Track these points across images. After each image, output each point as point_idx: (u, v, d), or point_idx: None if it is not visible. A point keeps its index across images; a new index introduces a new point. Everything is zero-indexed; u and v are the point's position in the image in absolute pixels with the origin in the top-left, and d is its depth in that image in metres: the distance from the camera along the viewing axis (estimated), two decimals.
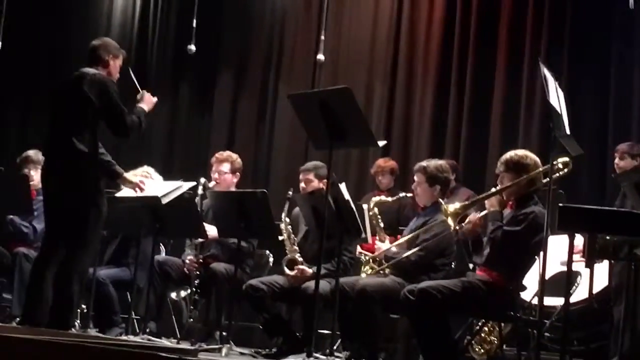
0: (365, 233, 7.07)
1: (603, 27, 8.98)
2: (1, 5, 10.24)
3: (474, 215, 6.15)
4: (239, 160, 8.08)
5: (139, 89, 6.92)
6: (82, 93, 6.42)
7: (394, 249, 6.84)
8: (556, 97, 5.43)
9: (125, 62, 6.96)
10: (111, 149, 10.55)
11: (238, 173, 8.04)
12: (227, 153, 8.18)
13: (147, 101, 6.82)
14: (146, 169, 8.05)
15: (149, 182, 7.69)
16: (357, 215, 6.46)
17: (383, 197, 7.66)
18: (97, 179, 6.50)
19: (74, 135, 6.43)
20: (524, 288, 6.12)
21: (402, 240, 6.87)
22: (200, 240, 7.67)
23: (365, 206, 7.27)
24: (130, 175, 6.88)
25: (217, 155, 8.12)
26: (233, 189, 7.92)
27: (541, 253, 5.50)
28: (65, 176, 6.44)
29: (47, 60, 11.22)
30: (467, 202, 6.20)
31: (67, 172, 6.44)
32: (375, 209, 7.23)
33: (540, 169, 6.06)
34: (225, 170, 7.96)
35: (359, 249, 7.34)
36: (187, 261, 7.68)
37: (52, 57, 11.09)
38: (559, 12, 9.15)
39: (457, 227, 6.16)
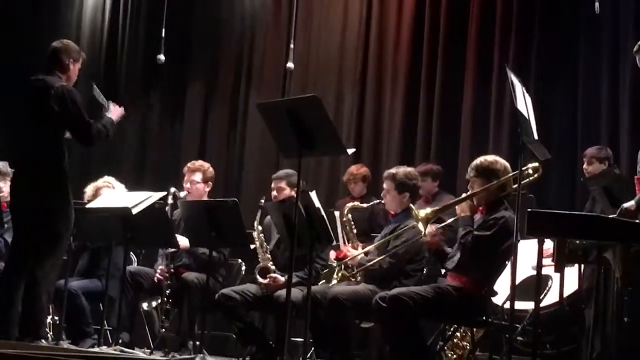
0: (337, 240, 7.08)
1: (570, 31, 9.04)
2: None
3: (431, 227, 6.18)
4: (211, 169, 8.06)
5: (105, 103, 6.90)
6: (47, 106, 6.41)
7: (365, 256, 6.85)
8: (524, 103, 5.46)
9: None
10: (82, 158, 10.63)
11: (210, 182, 8.03)
12: (199, 162, 8.16)
13: (115, 112, 6.83)
14: (107, 179, 8.09)
15: (114, 192, 7.70)
16: (328, 222, 6.46)
17: (357, 203, 7.67)
18: (66, 190, 6.49)
19: (41, 147, 6.44)
20: (495, 293, 6.15)
21: (372, 246, 6.88)
22: (171, 250, 7.65)
23: (337, 213, 7.28)
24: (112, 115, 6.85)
25: (189, 165, 8.11)
26: (205, 198, 7.91)
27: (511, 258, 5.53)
28: (34, 188, 6.43)
29: (16, 70, 11.15)
30: (437, 208, 6.23)
31: (36, 183, 6.43)
32: (349, 215, 7.25)
33: (510, 174, 6.09)
34: (197, 180, 7.95)
35: (332, 255, 7.34)
36: (158, 271, 7.66)
37: (19, 68, 11.01)
38: (527, 18, 9.20)
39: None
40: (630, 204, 4.88)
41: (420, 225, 6.06)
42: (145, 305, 8.03)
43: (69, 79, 6.70)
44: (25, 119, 6.59)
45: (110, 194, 7.74)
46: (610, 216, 5.01)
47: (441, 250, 6.22)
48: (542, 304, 6.28)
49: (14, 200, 6.69)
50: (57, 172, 6.47)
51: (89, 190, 8.09)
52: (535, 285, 5.05)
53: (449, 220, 6.39)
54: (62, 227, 6.46)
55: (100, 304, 7.67)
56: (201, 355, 6.82)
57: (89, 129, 6.53)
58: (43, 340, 6.47)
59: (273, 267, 7.29)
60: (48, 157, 6.46)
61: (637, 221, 4.78)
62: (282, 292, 6.66)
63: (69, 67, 6.69)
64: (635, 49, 5.13)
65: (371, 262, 6.70)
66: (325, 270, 7.05)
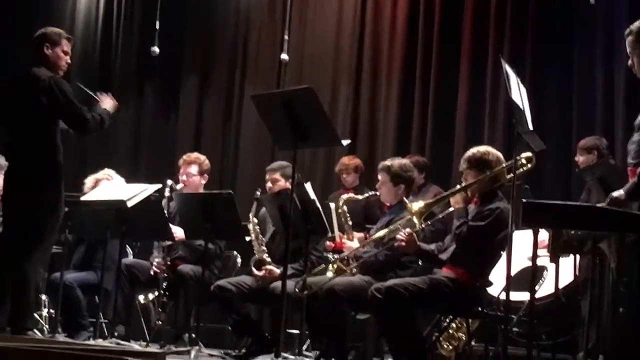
0: (333, 232, 7.08)
1: (565, 22, 9.03)
2: None
3: (401, 234, 6.17)
4: (207, 162, 8.06)
5: (95, 96, 6.86)
6: (37, 99, 6.38)
7: (361, 248, 6.85)
8: (518, 94, 5.45)
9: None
10: (76, 150, 10.61)
11: (206, 175, 8.03)
12: (195, 155, 8.15)
13: (107, 103, 6.80)
14: (107, 171, 8.08)
15: (111, 185, 7.68)
16: (323, 214, 6.46)
17: (352, 195, 7.66)
18: (58, 183, 6.47)
19: (34, 140, 6.41)
20: (490, 284, 6.15)
21: (369, 240, 6.87)
22: (167, 242, 7.64)
23: (332, 205, 7.27)
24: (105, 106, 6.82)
25: (184, 157, 8.09)
26: (201, 190, 7.91)
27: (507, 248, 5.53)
28: (25, 181, 6.41)
29: (9, 63, 11.13)
30: (431, 201, 6.23)
31: (28, 176, 6.40)
32: (345, 207, 7.24)
33: (504, 165, 6.09)
34: (193, 172, 7.94)
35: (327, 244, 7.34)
36: (155, 263, 7.65)
37: (12, 61, 11.01)
38: (522, 9, 9.19)
39: (423, 225, 6.18)
40: (619, 192, 4.87)
41: (414, 219, 6.06)
42: (141, 298, 8.02)
43: (55, 65, 6.62)
44: (17, 112, 6.56)
45: (106, 186, 7.73)
46: (599, 204, 4.99)
47: (422, 250, 6.23)
48: (538, 295, 6.28)
49: (5, 193, 6.67)
50: (49, 164, 6.44)
51: (88, 182, 8.08)
52: (531, 276, 5.05)
53: (438, 216, 6.42)
54: (51, 220, 6.43)
55: (96, 297, 7.67)
56: (197, 347, 6.83)
57: (83, 117, 6.49)
58: (37, 332, 6.47)
59: (268, 259, 7.28)
60: (41, 150, 6.43)
61: (632, 211, 4.77)
62: (278, 284, 6.66)
63: (48, 54, 6.61)
64: (626, 32, 5.12)
65: (367, 255, 6.70)
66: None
